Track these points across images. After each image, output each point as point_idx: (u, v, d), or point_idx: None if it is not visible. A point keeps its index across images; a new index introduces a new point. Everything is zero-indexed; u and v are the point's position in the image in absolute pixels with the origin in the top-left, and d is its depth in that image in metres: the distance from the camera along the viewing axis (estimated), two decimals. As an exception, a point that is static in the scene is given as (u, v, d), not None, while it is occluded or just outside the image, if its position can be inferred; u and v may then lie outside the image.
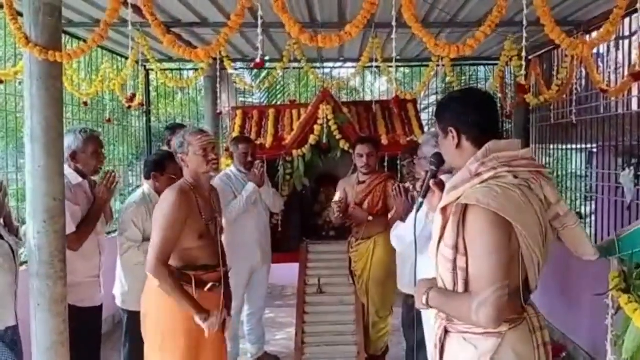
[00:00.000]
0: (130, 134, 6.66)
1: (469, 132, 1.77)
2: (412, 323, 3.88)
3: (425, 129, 5.41)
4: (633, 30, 4.03)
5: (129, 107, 5.84)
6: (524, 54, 2.75)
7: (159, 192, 3.16)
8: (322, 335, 3.96)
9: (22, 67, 3.04)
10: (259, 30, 2.61)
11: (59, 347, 2.78)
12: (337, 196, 3.99)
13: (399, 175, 4.48)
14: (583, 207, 5.89)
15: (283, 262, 4.63)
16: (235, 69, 6.69)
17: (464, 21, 4.45)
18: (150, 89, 6.79)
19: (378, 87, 9.91)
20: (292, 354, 4.49)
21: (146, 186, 3.43)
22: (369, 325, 4.03)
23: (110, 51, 5.64)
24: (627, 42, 4.26)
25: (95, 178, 3.40)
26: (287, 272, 4.78)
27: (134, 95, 4.08)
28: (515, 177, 1.66)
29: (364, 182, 4.01)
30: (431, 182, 1.95)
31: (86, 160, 3.20)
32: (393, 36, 2.64)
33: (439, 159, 1.97)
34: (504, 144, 1.74)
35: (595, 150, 5.22)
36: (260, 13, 2.60)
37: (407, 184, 4.02)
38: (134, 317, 3.14)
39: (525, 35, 2.66)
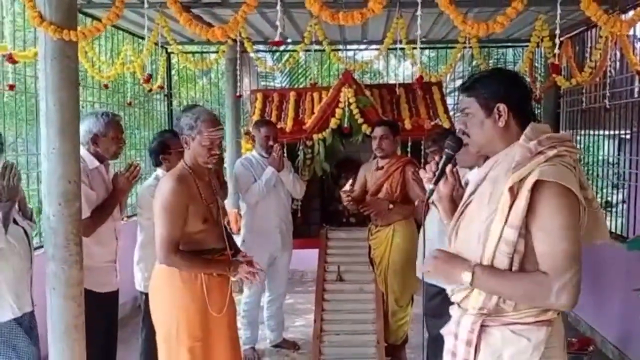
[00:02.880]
0: (153, 117, 6.63)
1: (518, 110, 1.65)
2: (434, 312, 3.80)
3: (451, 113, 5.23)
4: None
5: (150, 90, 5.82)
6: (557, 31, 2.60)
7: None
8: (341, 323, 3.89)
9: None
10: (278, 7, 2.51)
11: (74, 330, 2.76)
12: (347, 185, 3.87)
13: (423, 161, 4.35)
14: (614, 196, 5.69)
15: (303, 248, 4.55)
16: (257, 52, 6.62)
17: None
18: (173, 72, 6.75)
19: (402, 71, 9.70)
20: (310, 341, 4.44)
21: (159, 171, 3.40)
22: (389, 314, 3.95)
23: (132, 34, 5.59)
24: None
25: (113, 163, 3.37)
26: (307, 258, 4.72)
27: (150, 76, 4.01)
28: (571, 157, 1.59)
29: (382, 167, 3.90)
30: (447, 169, 1.80)
31: (107, 144, 3.15)
32: (418, 12, 2.51)
33: (458, 143, 1.79)
34: (544, 126, 1.66)
35: (628, 136, 5.01)
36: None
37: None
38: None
39: (559, 12, 2.50)
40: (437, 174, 1.80)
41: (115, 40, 5.56)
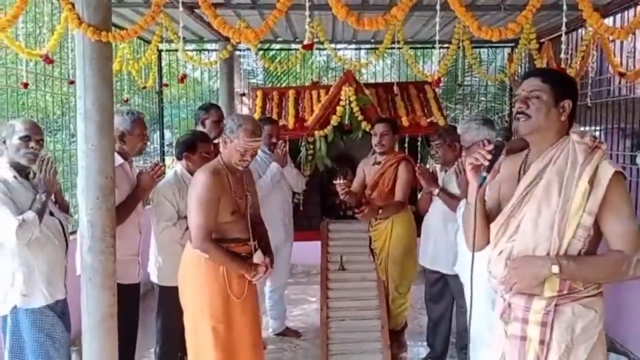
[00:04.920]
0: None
1: (573, 110, 1.88)
2: (434, 297, 4.04)
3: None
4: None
5: (144, 87, 5.90)
6: (563, 38, 2.85)
7: (191, 172, 3.23)
8: (346, 309, 4.06)
9: (59, 35, 3.07)
10: (307, 12, 2.68)
11: (110, 319, 2.89)
12: (341, 179, 4.00)
13: (420, 156, 4.59)
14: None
15: (304, 240, 4.71)
16: (240, 50, 6.74)
17: (484, 4, 4.52)
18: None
19: (381, 69, 9.86)
20: (310, 329, 4.63)
21: (179, 166, 3.50)
22: (389, 301, 4.18)
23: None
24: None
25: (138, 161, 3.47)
26: (296, 251, 4.78)
27: (184, 75, 4.10)
28: None
29: (379, 162, 4.10)
30: (501, 157, 1.85)
31: (134, 142, 3.26)
32: (437, 19, 2.73)
33: (508, 133, 1.92)
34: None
35: (597, 133, 5.35)
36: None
37: (434, 166, 4.14)
38: (168, 292, 3.26)
39: (564, 20, 2.75)
40: (491, 162, 1.82)
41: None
